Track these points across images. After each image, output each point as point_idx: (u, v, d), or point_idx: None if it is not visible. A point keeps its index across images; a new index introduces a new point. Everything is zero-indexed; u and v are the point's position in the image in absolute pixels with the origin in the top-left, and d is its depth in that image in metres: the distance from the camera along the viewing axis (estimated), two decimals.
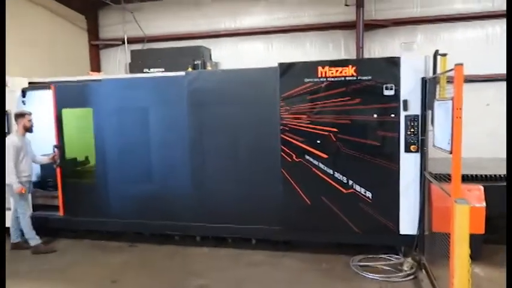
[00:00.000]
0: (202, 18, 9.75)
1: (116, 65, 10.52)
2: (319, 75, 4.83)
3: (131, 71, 7.93)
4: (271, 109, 5.02)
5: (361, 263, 4.75)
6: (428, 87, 4.42)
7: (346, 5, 8.47)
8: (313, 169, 4.92)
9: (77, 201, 5.85)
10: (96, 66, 10.39)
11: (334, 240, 5.11)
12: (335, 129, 4.83)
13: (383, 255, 4.89)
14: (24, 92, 5.93)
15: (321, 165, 4.90)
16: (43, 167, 6.15)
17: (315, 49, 9.04)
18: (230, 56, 9.61)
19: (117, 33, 10.38)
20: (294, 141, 4.96)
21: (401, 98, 4.61)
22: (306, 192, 4.98)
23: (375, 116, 4.72)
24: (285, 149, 5.00)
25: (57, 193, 5.99)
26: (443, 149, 3.61)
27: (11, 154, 5.21)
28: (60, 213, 5.88)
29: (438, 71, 4.37)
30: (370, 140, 4.76)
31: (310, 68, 4.88)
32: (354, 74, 4.73)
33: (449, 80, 4.01)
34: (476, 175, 4.77)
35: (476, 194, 4.46)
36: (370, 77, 4.68)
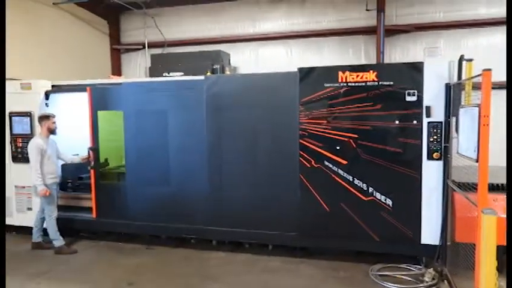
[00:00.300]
0: (221, 23, 9.82)
1: (136, 69, 10.69)
2: (340, 80, 4.78)
3: (151, 75, 8.02)
4: (290, 114, 4.98)
5: (381, 272, 4.64)
6: (452, 94, 4.31)
7: (367, 10, 8.40)
8: (332, 175, 4.85)
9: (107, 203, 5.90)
10: (117, 70, 10.57)
11: (352, 248, 5.02)
12: (355, 135, 4.75)
13: (403, 265, 4.76)
14: (47, 95, 6.04)
15: (340, 172, 4.83)
16: (63, 168, 6.24)
17: (335, 54, 8.97)
18: (249, 61, 9.65)
19: (138, 38, 10.55)
20: (312, 146, 4.91)
21: (424, 104, 4.50)
22: (324, 198, 4.91)
23: (397, 122, 4.62)
24: (303, 154, 4.95)
25: (78, 194, 6.08)
26: (469, 157, 3.50)
27: (35, 156, 5.27)
28: (93, 215, 5.91)
29: (463, 76, 4.26)
30: (391, 147, 4.66)
31: (331, 72, 4.82)
32: (375, 79, 4.65)
33: (475, 87, 3.91)
34: (502, 184, 4.61)
35: (502, 204, 4.30)
36: (391, 83, 4.60)
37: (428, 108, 4.48)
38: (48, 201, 5.42)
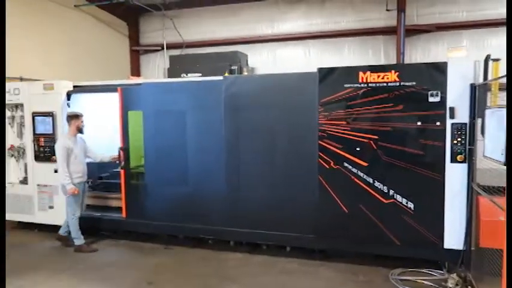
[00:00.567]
0: (239, 24, 9.85)
1: (155, 70, 10.82)
2: (360, 81, 4.70)
3: (169, 76, 8.11)
4: (308, 115, 4.94)
5: (402, 277, 4.53)
6: (478, 94, 4.19)
7: (387, 10, 8.28)
8: (352, 177, 4.78)
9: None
10: (136, 71, 10.72)
11: (372, 251, 4.92)
12: (376, 137, 4.67)
13: (425, 270, 4.65)
14: (69, 95, 6.14)
15: (360, 173, 4.75)
16: None
17: (354, 55, 8.89)
18: (266, 62, 9.65)
19: (157, 39, 10.68)
20: (332, 147, 4.84)
21: (448, 105, 4.39)
22: (343, 200, 4.84)
23: (419, 123, 4.52)
24: (322, 155, 4.89)
25: (101, 194, 6.19)
26: (496, 159, 3.38)
27: (62, 155, 5.34)
28: (123, 215, 5.93)
29: (489, 77, 4.13)
30: (413, 149, 4.56)
31: (351, 73, 4.75)
32: (397, 79, 4.56)
33: (502, 88, 3.79)
34: None
35: None
36: (414, 83, 4.50)
37: (452, 109, 4.37)
38: (73, 201, 5.48)
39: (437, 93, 4.43)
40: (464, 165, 4.38)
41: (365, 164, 4.73)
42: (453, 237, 4.46)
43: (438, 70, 4.45)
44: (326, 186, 4.90)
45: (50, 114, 6.06)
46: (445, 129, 4.42)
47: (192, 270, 4.94)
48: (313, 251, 5.19)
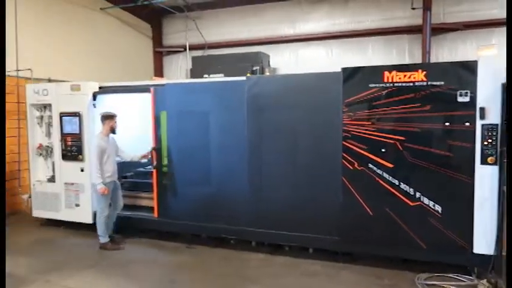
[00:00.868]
0: (261, 24, 9.85)
1: (178, 71, 10.94)
2: (386, 80, 4.61)
3: (192, 77, 8.16)
4: (332, 115, 4.87)
5: (428, 282, 4.41)
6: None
7: (413, 9, 8.10)
8: (377, 178, 4.68)
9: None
10: (159, 72, 10.86)
11: (397, 255, 4.81)
12: (402, 138, 4.56)
13: (452, 275, 4.51)
14: (94, 96, 6.27)
15: (385, 175, 4.65)
16: None
17: (378, 55, 8.74)
18: (288, 62, 9.61)
19: (180, 41, 10.79)
20: (356, 148, 4.77)
21: (478, 106, 4.25)
22: (368, 202, 4.75)
23: (447, 124, 4.39)
24: (346, 156, 4.82)
25: (124, 193, 6.28)
26: None
27: (96, 155, 5.42)
28: (155, 214, 5.97)
29: None
30: (441, 150, 4.44)
31: (376, 72, 4.66)
32: (424, 79, 4.44)
33: None
34: None
35: None
36: (442, 83, 4.38)
37: (482, 109, 4.22)
38: (103, 200, 5.57)
39: (467, 93, 4.30)
40: (495, 168, 4.23)
41: (390, 165, 4.63)
42: (483, 241, 4.30)
43: (468, 69, 4.31)
44: (350, 188, 4.82)
45: (76, 115, 6.19)
46: (474, 130, 4.28)
47: (213, 269, 4.95)
48: (337, 253, 5.12)
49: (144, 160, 6.31)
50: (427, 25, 8.01)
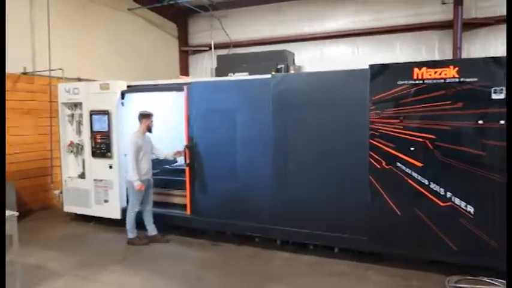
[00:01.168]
0: (286, 22, 9.81)
1: (203, 70, 11.03)
2: (415, 77, 4.49)
3: (217, 76, 8.21)
4: (359, 112, 4.80)
5: (459, 285, 4.28)
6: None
7: (443, 3, 7.87)
8: (405, 178, 4.58)
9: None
10: (185, 71, 10.99)
11: (426, 256, 4.69)
12: (432, 136, 4.44)
13: (484, 278, 4.36)
14: (123, 94, 6.40)
15: (414, 174, 4.54)
16: None
17: (406, 52, 8.54)
18: (313, 60, 9.52)
19: (205, 40, 10.88)
20: (384, 147, 4.67)
21: None
22: (396, 202, 4.66)
23: (480, 122, 4.24)
24: (373, 155, 4.73)
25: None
26: None
27: (133, 152, 5.52)
28: (187, 212, 6.01)
29: None
30: (473, 149, 4.29)
31: (405, 69, 4.55)
32: (456, 75, 4.31)
33: None
34: None
35: None
36: (475, 79, 4.23)
37: None
38: (136, 197, 5.68)
39: (502, 89, 4.14)
40: None
41: (420, 164, 4.52)
42: None
43: (502, 65, 4.15)
44: (377, 187, 4.73)
45: (105, 113, 6.35)
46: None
47: (238, 267, 4.98)
48: (362, 253, 5.04)
49: (178, 158, 6.38)
50: (458, 20, 7.76)
